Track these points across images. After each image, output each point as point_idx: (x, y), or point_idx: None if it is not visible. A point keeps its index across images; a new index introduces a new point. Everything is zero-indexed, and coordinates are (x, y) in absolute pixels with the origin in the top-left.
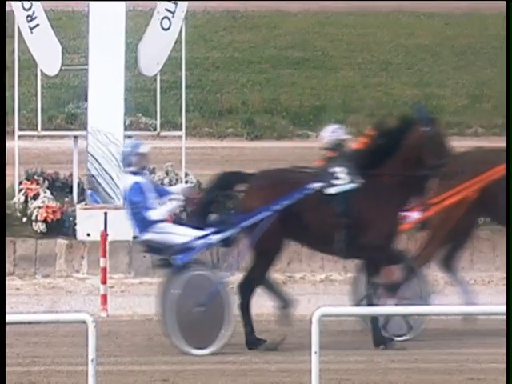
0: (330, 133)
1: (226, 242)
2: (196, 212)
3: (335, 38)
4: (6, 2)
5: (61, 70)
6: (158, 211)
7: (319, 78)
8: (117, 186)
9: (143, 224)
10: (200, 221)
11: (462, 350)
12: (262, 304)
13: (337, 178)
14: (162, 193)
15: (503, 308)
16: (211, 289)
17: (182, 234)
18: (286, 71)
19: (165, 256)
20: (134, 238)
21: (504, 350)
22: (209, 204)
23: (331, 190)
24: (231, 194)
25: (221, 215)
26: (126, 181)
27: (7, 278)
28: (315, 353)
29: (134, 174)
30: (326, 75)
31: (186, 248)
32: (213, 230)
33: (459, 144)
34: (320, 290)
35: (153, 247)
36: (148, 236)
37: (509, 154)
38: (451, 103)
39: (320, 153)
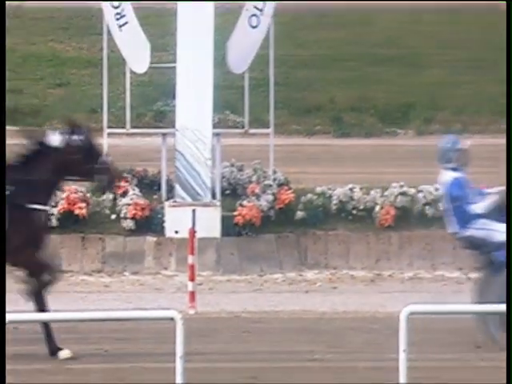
0: None
1: None
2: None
3: (424, 36)
4: (95, 1)
5: (149, 67)
6: (480, 205)
7: (408, 76)
8: (204, 183)
9: (464, 220)
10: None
11: None
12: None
13: None
14: (478, 193)
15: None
16: None
17: (502, 231)
18: (373, 69)
19: (484, 253)
20: (454, 234)
21: None
22: None
23: None
24: None
25: None
26: (445, 177)
27: (96, 275)
28: (403, 351)
29: (454, 169)
30: (414, 72)
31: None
32: None
33: None
34: (408, 287)
35: (473, 243)
36: (469, 232)
37: (509, 154)
38: None
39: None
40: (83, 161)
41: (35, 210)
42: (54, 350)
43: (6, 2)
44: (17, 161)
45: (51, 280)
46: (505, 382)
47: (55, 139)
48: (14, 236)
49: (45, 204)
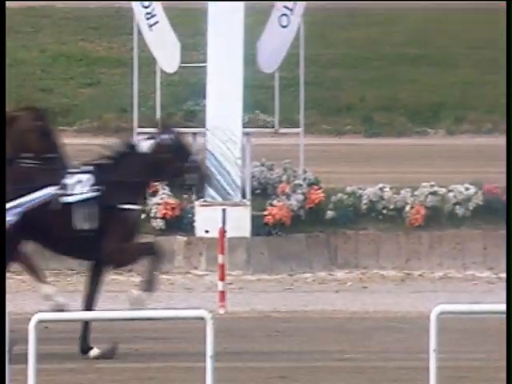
0: None
1: None
2: None
3: (451, 35)
4: (125, 1)
5: (180, 67)
6: None
7: (437, 75)
8: (235, 182)
9: None
10: None
11: None
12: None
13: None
14: None
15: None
16: None
17: None
18: (404, 68)
19: None
20: None
21: None
22: None
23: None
24: None
25: None
26: None
27: (126, 275)
28: (434, 350)
29: None
30: (443, 72)
31: None
32: None
33: None
34: (438, 287)
35: None
36: None
37: (509, 154)
38: None
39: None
40: (173, 160)
41: (127, 209)
42: (85, 349)
43: (38, 2)
44: (106, 161)
45: (157, 261)
46: None
47: (144, 139)
48: (112, 237)
49: (135, 204)
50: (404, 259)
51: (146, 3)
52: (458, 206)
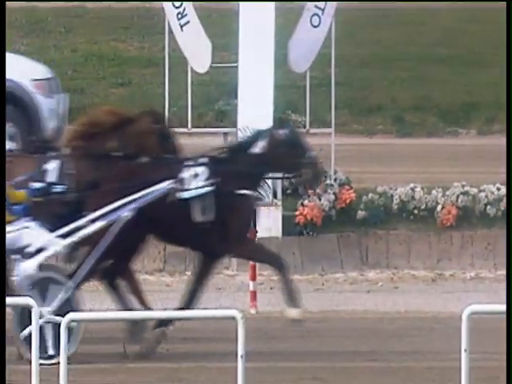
0: None
1: None
2: None
3: (481, 35)
4: (157, 1)
5: (211, 67)
6: None
7: (468, 75)
8: (266, 182)
9: None
10: None
11: None
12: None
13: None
14: None
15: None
16: None
17: None
18: (435, 68)
19: None
20: None
21: None
22: None
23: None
24: None
25: None
26: None
27: (157, 275)
28: (465, 351)
29: None
30: (474, 72)
31: None
32: None
33: None
34: (470, 287)
35: None
36: None
37: (509, 154)
38: None
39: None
40: (290, 155)
41: (245, 197)
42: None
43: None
44: (221, 154)
45: (283, 271)
46: None
47: (260, 134)
48: (231, 225)
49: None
50: (435, 259)
51: (177, 3)
52: (489, 206)
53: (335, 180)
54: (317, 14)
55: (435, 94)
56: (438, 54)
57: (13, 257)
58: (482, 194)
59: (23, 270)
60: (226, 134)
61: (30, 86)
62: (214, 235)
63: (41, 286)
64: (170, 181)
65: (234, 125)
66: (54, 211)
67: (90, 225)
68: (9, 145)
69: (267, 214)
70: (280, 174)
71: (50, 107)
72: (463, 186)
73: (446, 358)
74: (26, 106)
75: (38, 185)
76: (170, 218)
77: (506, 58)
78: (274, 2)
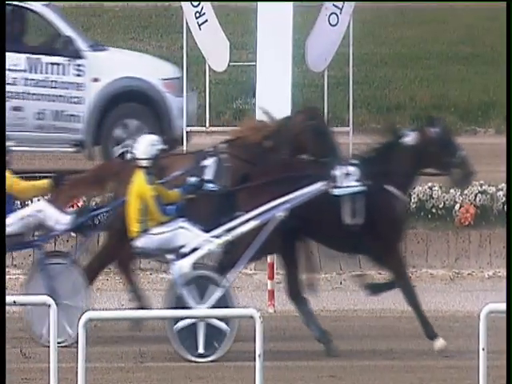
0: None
1: None
2: None
3: (501, 34)
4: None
5: (229, 66)
6: None
7: (489, 74)
8: None
9: None
10: None
11: None
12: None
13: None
14: None
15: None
16: None
17: None
18: (454, 67)
19: None
20: None
21: None
22: None
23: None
24: None
25: None
26: None
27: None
28: (483, 349)
29: None
30: (495, 71)
31: None
32: None
33: None
34: (488, 286)
35: None
36: None
37: (509, 154)
38: None
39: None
40: (441, 154)
41: (396, 199)
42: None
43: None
44: (372, 154)
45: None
46: None
47: (410, 133)
48: (381, 230)
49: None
50: (453, 258)
51: (196, 2)
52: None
53: None
54: (335, 13)
55: (454, 93)
56: (459, 52)
57: (168, 256)
58: (500, 193)
59: (178, 269)
60: None
61: (160, 85)
62: (363, 238)
63: (196, 284)
64: (323, 182)
65: None
66: (206, 210)
67: (243, 224)
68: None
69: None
70: (431, 171)
71: (179, 106)
72: (481, 185)
73: (464, 357)
74: (156, 104)
75: (192, 179)
76: (321, 218)
77: (506, 59)
78: (291, 2)
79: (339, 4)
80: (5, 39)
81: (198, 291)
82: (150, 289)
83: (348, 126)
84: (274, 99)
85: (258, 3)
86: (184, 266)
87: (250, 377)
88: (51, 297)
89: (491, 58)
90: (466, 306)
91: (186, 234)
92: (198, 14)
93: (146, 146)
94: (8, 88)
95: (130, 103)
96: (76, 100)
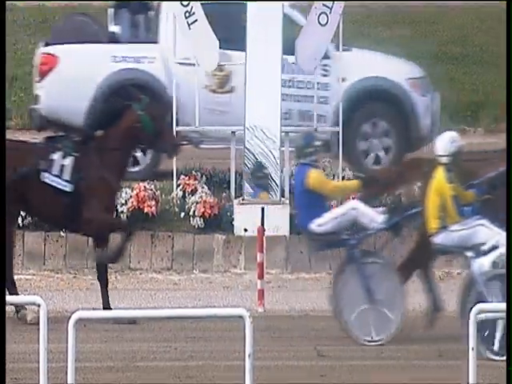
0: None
1: None
2: None
3: (495, 34)
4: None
5: (218, 65)
6: None
7: (478, 74)
8: (274, 181)
9: None
10: None
11: None
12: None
13: None
14: None
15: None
16: None
17: None
18: (445, 67)
19: None
20: None
21: None
22: None
23: None
24: None
25: None
26: None
27: (165, 273)
28: (472, 349)
29: None
30: (485, 71)
31: None
32: None
33: None
34: None
35: None
36: None
37: (509, 154)
38: None
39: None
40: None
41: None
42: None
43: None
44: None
45: None
46: None
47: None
48: None
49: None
50: (443, 257)
51: (185, 2)
52: None
53: (343, 178)
54: (324, 13)
55: (443, 93)
56: (450, 52)
57: (467, 254)
58: None
59: (478, 266)
60: (233, 132)
61: (406, 84)
62: None
63: (496, 283)
64: None
65: (242, 123)
66: (503, 209)
67: None
68: (385, 142)
69: (275, 213)
70: None
71: (424, 105)
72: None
73: (454, 357)
74: (401, 104)
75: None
76: None
77: (506, 59)
78: (281, 2)
79: (329, 3)
80: (5, 39)
81: (499, 289)
82: (139, 288)
83: (338, 126)
84: (263, 99)
85: (248, 4)
86: (484, 263)
87: (240, 377)
88: (367, 296)
89: (481, 58)
90: (455, 305)
91: (486, 231)
92: (187, 14)
93: (446, 142)
94: None
95: (376, 103)
96: (322, 100)
